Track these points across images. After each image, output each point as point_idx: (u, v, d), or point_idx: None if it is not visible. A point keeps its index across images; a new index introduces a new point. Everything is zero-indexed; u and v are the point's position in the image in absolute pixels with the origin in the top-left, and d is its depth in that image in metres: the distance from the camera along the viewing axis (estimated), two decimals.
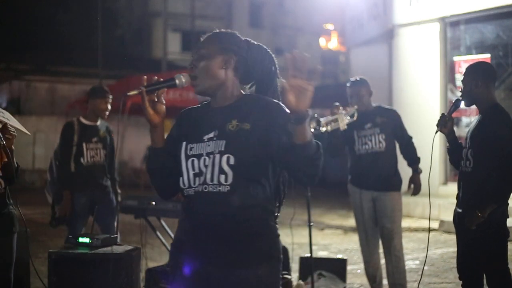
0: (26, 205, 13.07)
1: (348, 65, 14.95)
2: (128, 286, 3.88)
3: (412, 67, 11.36)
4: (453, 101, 4.02)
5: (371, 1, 12.47)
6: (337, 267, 5.80)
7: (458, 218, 3.93)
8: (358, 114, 5.20)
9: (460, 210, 3.90)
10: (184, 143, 2.48)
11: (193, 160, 2.42)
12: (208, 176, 2.38)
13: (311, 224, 5.31)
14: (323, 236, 9.48)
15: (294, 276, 5.83)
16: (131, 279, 3.91)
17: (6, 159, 3.29)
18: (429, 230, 4.81)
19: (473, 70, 3.87)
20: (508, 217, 3.81)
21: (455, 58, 10.74)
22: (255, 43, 2.56)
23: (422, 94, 11.04)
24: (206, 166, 2.38)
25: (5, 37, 18.04)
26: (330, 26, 30.62)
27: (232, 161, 2.35)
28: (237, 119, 2.41)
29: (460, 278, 3.98)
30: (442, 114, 3.97)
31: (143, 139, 14.48)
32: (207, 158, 2.39)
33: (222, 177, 2.36)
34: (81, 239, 4.10)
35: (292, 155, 2.26)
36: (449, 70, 10.84)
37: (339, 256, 6.95)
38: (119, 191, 5.90)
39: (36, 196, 15.57)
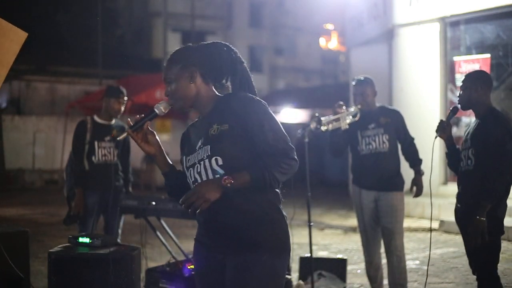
0: (26, 205, 13.15)
1: (348, 65, 14.92)
2: (128, 286, 3.88)
3: (412, 67, 11.35)
4: (451, 108, 4.17)
5: (371, 1, 12.46)
6: (337, 267, 5.80)
7: (459, 213, 4.07)
8: (362, 114, 5.20)
9: (459, 205, 4.04)
10: (184, 157, 2.71)
11: (190, 171, 2.64)
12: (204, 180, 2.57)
13: (311, 224, 5.31)
14: (323, 236, 9.48)
15: (294, 276, 5.83)
16: (131, 279, 3.92)
17: None
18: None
19: (474, 76, 4.08)
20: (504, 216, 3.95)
21: (455, 58, 10.73)
22: (208, 42, 2.72)
23: (422, 94, 11.03)
24: (199, 173, 2.59)
25: None
26: (330, 26, 30.57)
27: (220, 162, 2.54)
28: (216, 123, 2.59)
29: (473, 273, 4.06)
30: (441, 121, 4.16)
31: None
32: (198, 165, 2.60)
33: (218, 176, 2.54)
34: (81, 239, 4.11)
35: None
36: (449, 70, 10.83)
37: (339, 256, 6.95)
38: (131, 190, 5.92)
39: (36, 196, 15.61)
